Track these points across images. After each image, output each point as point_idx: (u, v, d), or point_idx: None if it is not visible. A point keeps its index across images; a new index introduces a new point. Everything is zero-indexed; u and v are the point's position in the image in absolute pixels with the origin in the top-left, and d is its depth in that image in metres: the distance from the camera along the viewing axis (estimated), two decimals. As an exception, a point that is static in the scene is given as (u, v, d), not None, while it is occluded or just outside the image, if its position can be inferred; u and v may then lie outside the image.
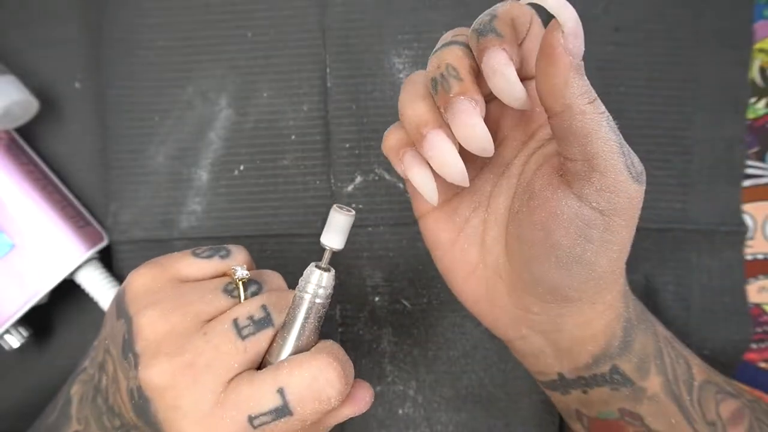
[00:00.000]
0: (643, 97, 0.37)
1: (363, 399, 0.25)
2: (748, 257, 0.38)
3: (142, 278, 0.25)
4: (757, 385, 0.38)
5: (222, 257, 0.26)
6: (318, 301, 0.23)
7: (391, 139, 0.25)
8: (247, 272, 0.25)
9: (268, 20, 0.38)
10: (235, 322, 0.23)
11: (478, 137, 0.22)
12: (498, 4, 0.23)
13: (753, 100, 0.38)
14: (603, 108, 0.21)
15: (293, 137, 0.38)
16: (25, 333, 0.37)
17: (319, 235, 0.38)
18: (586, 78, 0.21)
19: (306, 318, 0.23)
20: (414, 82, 0.25)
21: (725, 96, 0.37)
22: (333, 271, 0.24)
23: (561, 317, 0.26)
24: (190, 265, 0.26)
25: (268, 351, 0.24)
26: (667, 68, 0.37)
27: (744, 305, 0.38)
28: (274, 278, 0.27)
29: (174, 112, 0.38)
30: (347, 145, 0.38)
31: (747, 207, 0.38)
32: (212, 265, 0.26)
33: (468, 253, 0.28)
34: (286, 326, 0.24)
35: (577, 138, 0.21)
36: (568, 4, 0.20)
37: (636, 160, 0.22)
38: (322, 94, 0.38)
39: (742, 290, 0.38)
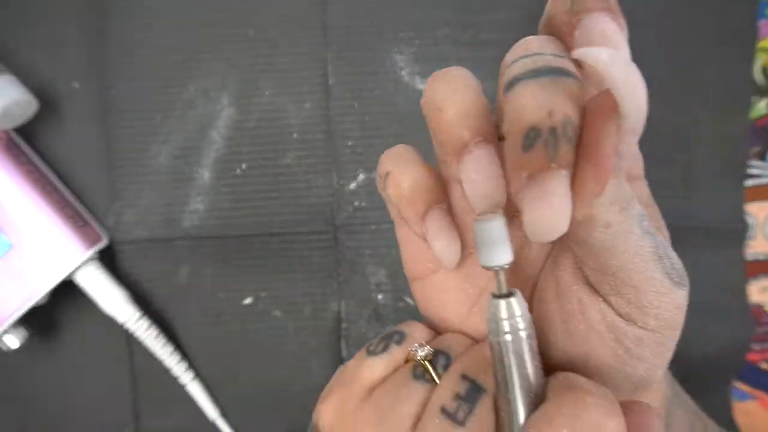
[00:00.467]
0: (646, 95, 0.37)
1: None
2: (749, 257, 0.38)
3: (330, 410, 0.22)
4: (758, 385, 0.38)
5: (398, 343, 0.23)
6: (522, 333, 0.18)
7: (407, 185, 0.20)
8: (428, 348, 0.22)
9: (268, 19, 0.38)
10: (444, 409, 0.19)
11: (555, 230, 0.15)
12: None
13: (754, 99, 0.38)
14: (636, 209, 0.16)
15: (295, 135, 0.38)
16: (24, 333, 0.36)
17: (322, 232, 0.39)
18: (623, 178, 0.16)
19: (519, 363, 0.18)
20: (460, 71, 0.19)
21: (729, 94, 0.37)
22: (518, 293, 0.19)
23: None
24: (372, 369, 0.22)
25: (497, 422, 0.20)
26: (671, 66, 0.37)
27: (745, 303, 0.38)
28: (457, 340, 0.23)
29: (176, 111, 0.38)
30: (349, 143, 0.38)
31: (748, 207, 0.38)
32: (393, 358, 0.22)
33: (482, 333, 0.23)
34: (502, 384, 0.19)
35: (596, 251, 0.17)
36: (641, 81, 0.14)
37: (675, 259, 0.18)
38: (323, 92, 0.38)
39: (743, 289, 0.38)
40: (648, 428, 0.18)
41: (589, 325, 0.19)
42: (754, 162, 0.38)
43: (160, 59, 0.38)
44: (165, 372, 0.39)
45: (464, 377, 0.20)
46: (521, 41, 0.18)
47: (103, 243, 0.37)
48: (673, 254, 0.18)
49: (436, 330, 0.24)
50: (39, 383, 0.40)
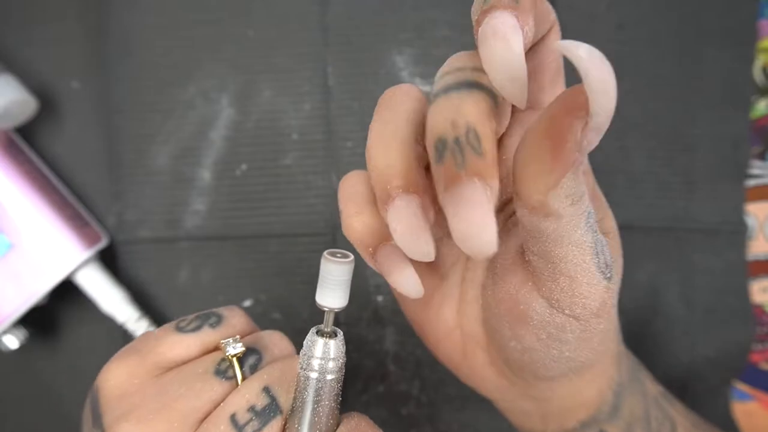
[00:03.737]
0: (647, 95, 0.37)
1: None
2: (750, 258, 0.38)
3: (115, 376, 0.21)
4: (758, 385, 0.38)
5: (213, 326, 0.22)
6: (329, 377, 0.18)
7: (358, 227, 0.20)
8: (240, 345, 0.20)
9: (269, 19, 0.38)
10: (233, 418, 0.19)
11: (482, 241, 0.15)
12: None
13: (754, 99, 0.38)
14: (586, 204, 0.17)
15: (295, 136, 0.38)
16: (24, 334, 0.36)
17: (322, 234, 0.39)
18: (580, 173, 0.16)
19: (317, 401, 0.19)
20: (393, 110, 0.19)
21: (730, 93, 0.37)
22: (340, 335, 0.19)
23: (550, 389, 0.24)
24: (174, 345, 0.21)
25: None
26: (671, 65, 0.37)
27: (747, 304, 0.38)
28: (275, 340, 0.23)
29: (176, 111, 0.38)
30: (349, 144, 0.38)
31: (749, 207, 0.38)
32: (201, 340, 0.21)
33: (443, 314, 0.24)
34: (296, 412, 0.19)
35: (545, 238, 0.17)
36: (613, 83, 0.14)
37: (607, 254, 0.19)
38: (323, 92, 0.38)
39: (745, 290, 0.38)
40: None
41: (518, 315, 0.20)
42: (755, 162, 0.38)
43: (160, 60, 0.38)
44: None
45: (266, 391, 0.19)
46: (452, 56, 0.19)
47: (103, 243, 0.37)
48: (607, 251, 0.19)
49: (407, 312, 0.25)
50: (39, 383, 0.40)
